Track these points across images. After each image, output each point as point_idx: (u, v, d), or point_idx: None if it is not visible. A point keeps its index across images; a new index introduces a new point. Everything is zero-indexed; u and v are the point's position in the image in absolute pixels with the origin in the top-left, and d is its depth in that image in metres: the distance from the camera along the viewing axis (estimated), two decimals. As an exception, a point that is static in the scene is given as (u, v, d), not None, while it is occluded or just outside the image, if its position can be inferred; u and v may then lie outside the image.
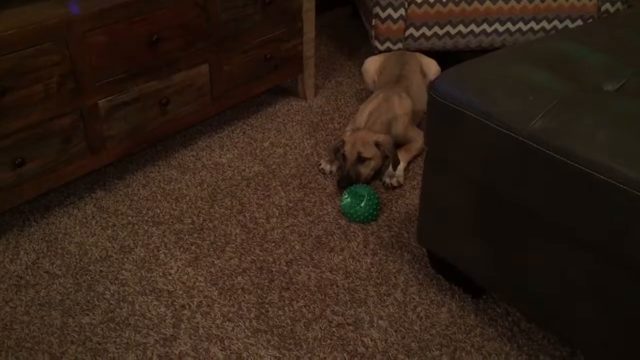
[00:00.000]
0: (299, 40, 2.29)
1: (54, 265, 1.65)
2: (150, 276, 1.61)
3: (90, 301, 1.54)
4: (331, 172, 2.01)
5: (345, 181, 1.87)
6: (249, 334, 1.45)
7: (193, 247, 1.71)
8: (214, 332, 1.45)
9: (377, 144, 1.91)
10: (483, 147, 1.22)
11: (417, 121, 2.18)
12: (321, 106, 2.42)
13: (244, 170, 2.04)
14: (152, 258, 1.67)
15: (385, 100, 2.09)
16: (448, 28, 2.42)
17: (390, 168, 1.96)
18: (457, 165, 1.31)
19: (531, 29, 2.46)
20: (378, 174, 1.99)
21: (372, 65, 2.37)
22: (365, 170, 1.92)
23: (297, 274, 1.62)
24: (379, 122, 2.01)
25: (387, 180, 1.94)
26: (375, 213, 1.79)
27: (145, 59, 1.80)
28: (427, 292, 1.56)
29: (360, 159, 1.90)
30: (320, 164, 2.03)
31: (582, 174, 1.05)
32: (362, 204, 1.76)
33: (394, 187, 1.94)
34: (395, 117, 2.05)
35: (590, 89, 1.22)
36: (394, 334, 1.45)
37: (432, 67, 2.34)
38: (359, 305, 1.53)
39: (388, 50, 2.45)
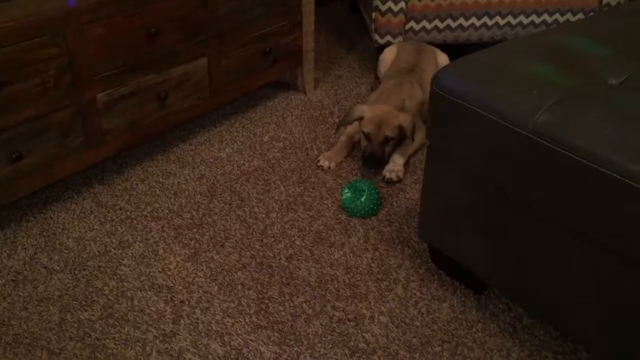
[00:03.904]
0: (298, 34, 2.27)
1: (52, 260, 1.64)
2: (150, 271, 1.60)
3: (89, 297, 1.53)
4: (329, 168, 1.99)
5: (373, 160, 1.94)
6: (249, 329, 1.44)
7: (192, 242, 1.70)
8: (213, 327, 1.44)
9: (400, 128, 1.94)
10: (486, 141, 1.21)
11: (424, 116, 2.16)
12: (321, 100, 2.40)
13: (243, 164, 2.03)
14: (151, 253, 1.66)
15: (397, 85, 2.10)
16: (449, 21, 2.41)
17: (390, 163, 1.95)
18: (460, 159, 1.30)
19: (532, 22, 2.44)
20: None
21: (389, 55, 2.35)
22: (389, 148, 1.98)
23: (297, 269, 1.61)
24: (392, 100, 2.04)
25: (387, 175, 1.93)
26: (375, 208, 1.78)
27: (143, 52, 1.78)
28: (429, 288, 1.55)
29: (386, 140, 1.94)
30: (319, 161, 2.01)
31: (586, 168, 1.04)
32: (362, 199, 1.75)
33: (394, 182, 1.93)
34: (406, 100, 2.08)
35: (594, 82, 1.21)
36: (395, 329, 1.44)
37: (444, 62, 2.32)
38: (360, 300, 1.52)
39: (388, 43, 2.43)
